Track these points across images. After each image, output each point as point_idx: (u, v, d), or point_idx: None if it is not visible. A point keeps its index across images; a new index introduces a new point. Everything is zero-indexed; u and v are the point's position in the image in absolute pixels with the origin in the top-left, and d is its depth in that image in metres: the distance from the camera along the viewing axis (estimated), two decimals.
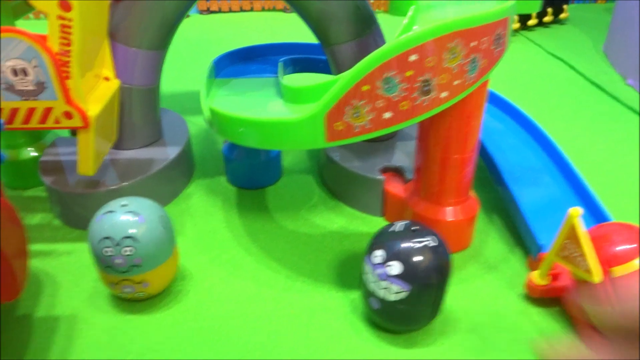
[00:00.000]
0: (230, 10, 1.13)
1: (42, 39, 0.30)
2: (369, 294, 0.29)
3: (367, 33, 0.42)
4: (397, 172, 0.42)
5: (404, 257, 0.27)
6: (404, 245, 0.27)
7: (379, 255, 0.27)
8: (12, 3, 0.43)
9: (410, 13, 0.31)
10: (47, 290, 0.35)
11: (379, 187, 0.41)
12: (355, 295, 0.34)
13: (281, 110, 0.35)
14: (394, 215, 0.41)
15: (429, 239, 0.28)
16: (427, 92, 0.27)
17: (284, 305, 0.33)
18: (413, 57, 0.25)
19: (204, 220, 0.42)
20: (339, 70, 0.43)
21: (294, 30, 1.02)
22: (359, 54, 0.42)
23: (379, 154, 0.44)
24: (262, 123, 0.29)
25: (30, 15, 0.97)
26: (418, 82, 0.26)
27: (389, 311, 0.28)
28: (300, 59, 0.49)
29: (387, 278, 0.27)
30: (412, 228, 0.28)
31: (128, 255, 0.30)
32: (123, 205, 0.31)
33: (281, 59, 0.46)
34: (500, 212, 0.43)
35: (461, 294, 0.34)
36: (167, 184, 0.44)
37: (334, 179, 0.45)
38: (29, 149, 0.46)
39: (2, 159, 0.33)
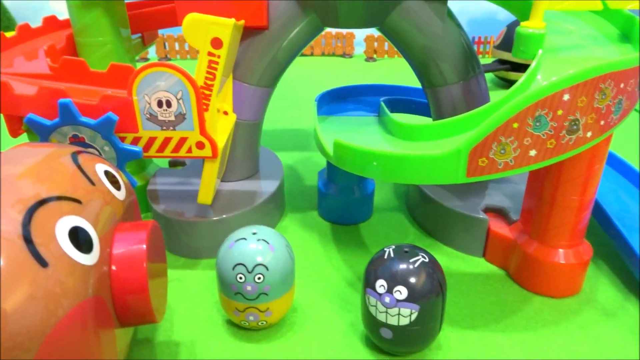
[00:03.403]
0: None
1: (189, 74, 0.32)
2: (379, 326, 0.29)
3: (471, 76, 0.43)
4: (500, 213, 0.42)
5: (406, 279, 0.28)
6: (404, 268, 0.28)
7: (381, 284, 0.28)
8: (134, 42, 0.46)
9: (537, 58, 0.32)
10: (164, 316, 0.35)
11: (481, 227, 0.41)
12: (460, 332, 0.33)
13: (401, 146, 0.36)
14: (496, 256, 0.41)
15: (420, 255, 0.29)
16: (574, 132, 0.27)
17: None
18: (566, 97, 0.26)
19: (304, 254, 0.42)
20: (440, 112, 0.44)
21: (354, 74, 1.05)
22: (464, 98, 0.43)
23: (477, 194, 0.44)
24: (400, 158, 0.29)
25: None
26: (567, 121, 0.27)
27: (403, 336, 0.29)
28: (394, 100, 0.50)
29: (396, 304, 0.28)
30: (405, 250, 0.30)
31: (258, 282, 0.31)
32: (254, 233, 0.32)
33: (382, 99, 0.47)
34: (605, 257, 0.42)
35: (583, 340, 0.33)
36: (266, 216, 0.45)
37: (430, 218, 0.45)
38: None
39: (134, 184, 0.34)
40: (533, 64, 0.32)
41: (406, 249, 0.30)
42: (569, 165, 0.33)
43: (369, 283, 0.29)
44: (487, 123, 0.27)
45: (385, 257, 0.30)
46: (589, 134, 0.28)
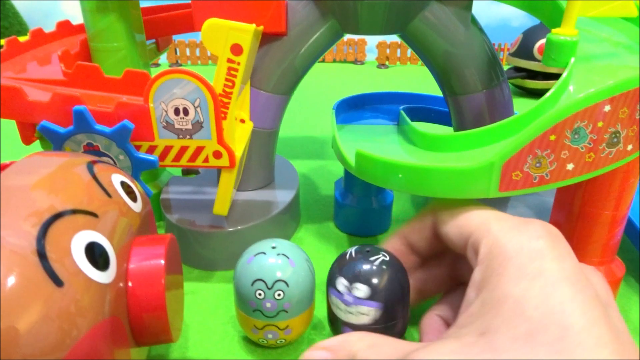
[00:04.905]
0: None
1: (207, 81, 0.31)
2: (341, 325, 0.29)
3: (495, 84, 0.41)
4: None
5: (366, 277, 0.28)
6: (364, 267, 0.28)
7: (342, 283, 0.28)
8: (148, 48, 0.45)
9: (569, 66, 0.30)
10: None
11: None
12: None
13: (425, 157, 0.34)
14: None
15: (381, 254, 0.29)
16: (615, 144, 0.26)
17: None
18: (607, 108, 0.25)
19: (323, 266, 0.41)
20: (462, 121, 0.43)
21: (366, 81, 1.04)
22: (487, 107, 0.42)
23: (500, 206, 0.42)
24: (429, 170, 0.28)
25: None
26: (608, 134, 0.25)
27: None
28: (413, 108, 0.49)
29: (355, 301, 0.28)
30: (367, 249, 0.30)
31: (278, 299, 0.29)
32: (273, 247, 0.31)
33: (401, 107, 0.46)
34: (638, 275, 0.40)
35: None
36: (281, 227, 0.44)
37: None
38: None
39: (149, 194, 0.33)
40: (565, 73, 0.30)
41: (368, 249, 0.30)
42: (602, 179, 0.31)
43: (331, 282, 0.29)
44: (522, 135, 0.25)
45: (347, 257, 0.30)
46: (629, 147, 0.26)
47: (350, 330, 0.29)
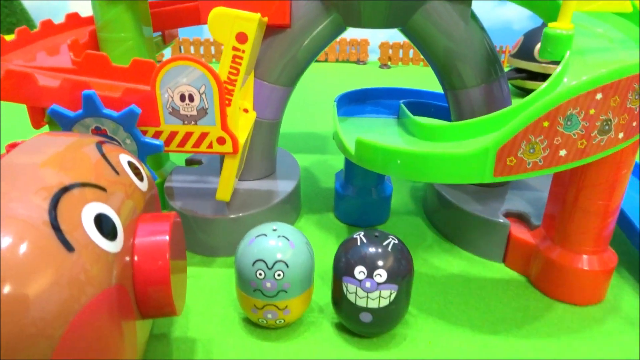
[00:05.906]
0: None
1: (212, 69, 0.32)
2: (358, 311, 0.30)
3: (494, 79, 0.42)
4: (520, 218, 0.41)
5: (384, 263, 0.29)
6: (381, 253, 0.29)
7: (360, 270, 0.29)
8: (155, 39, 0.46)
9: (565, 59, 0.31)
10: None
11: (502, 232, 0.40)
12: (482, 337, 0.32)
13: (424, 146, 0.35)
14: (517, 261, 0.40)
15: (390, 238, 0.31)
16: (606, 132, 0.27)
17: (419, 343, 0.32)
18: (599, 96, 0.25)
19: (323, 254, 0.42)
20: (461, 115, 0.44)
21: (368, 80, 1.05)
22: (485, 101, 0.42)
23: (497, 199, 0.43)
24: (426, 156, 0.29)
25: None
26: (599, 121, 0.26)
27: (383, 317, 0.30)
28: (412, 103, 0.50)
29: (377, 287, 0.29)
30: (375, 234, 0.31)
31: (278, 279, 0.30)
32: (274, 230, 0.31)
33: (402, 101, 0.47)
34: (630, 266, 0.41)
35: (606, 348, 0.32)
36: (282, 216, 0.45)
37: (449, 222, 0.44)
38: None
39: (154, 178, 0.34)
40: (560, 65, 0.31)
41: (376, 234, 0.31)
42: (595, 169, 0.32)
43: (346, 271, 0.30)
44: (516, 121, 0.26)
45: (358, 243, 0.31)
46: (620, 135, 0.27)
47: (369, 315, 0.30)
